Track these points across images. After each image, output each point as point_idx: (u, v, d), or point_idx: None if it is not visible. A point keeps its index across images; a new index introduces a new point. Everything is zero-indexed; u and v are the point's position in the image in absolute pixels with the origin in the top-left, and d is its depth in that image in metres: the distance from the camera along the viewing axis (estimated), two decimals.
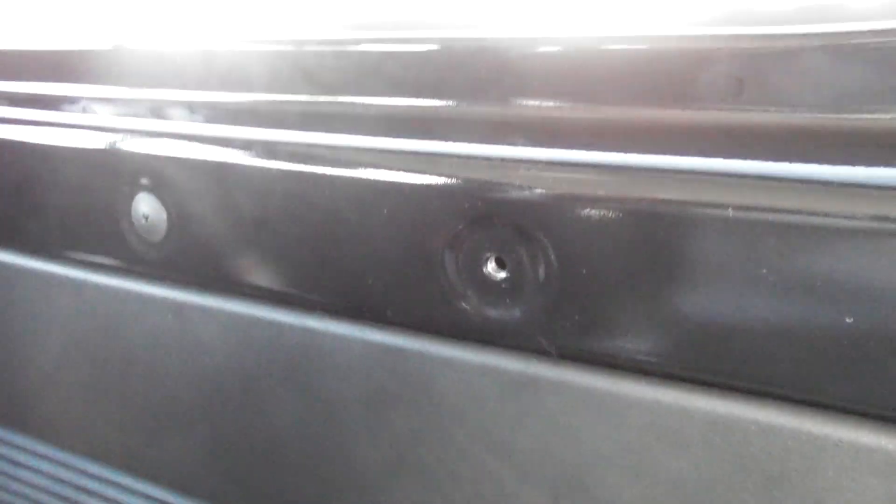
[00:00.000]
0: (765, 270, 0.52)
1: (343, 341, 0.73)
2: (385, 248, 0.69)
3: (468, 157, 0.65)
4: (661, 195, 0.56)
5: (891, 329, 0.50)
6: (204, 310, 0.82)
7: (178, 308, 0.84)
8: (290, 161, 0.74)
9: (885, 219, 0.48)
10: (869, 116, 0.51)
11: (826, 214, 0.50)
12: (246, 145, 0.76)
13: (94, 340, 0.93)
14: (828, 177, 0.52)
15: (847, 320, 0.51)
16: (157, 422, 0.92)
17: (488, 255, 0.64)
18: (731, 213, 0.53)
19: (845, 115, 0.52)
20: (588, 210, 0.59)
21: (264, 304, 0.79)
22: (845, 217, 0.50)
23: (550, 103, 0.62)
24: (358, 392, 0.74)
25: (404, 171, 0.67)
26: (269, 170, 0.75)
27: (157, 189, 0.82)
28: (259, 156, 0.75)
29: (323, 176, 0.71)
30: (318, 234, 0.73)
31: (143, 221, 0.83)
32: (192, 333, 0.83)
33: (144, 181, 0.82)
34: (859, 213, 0.49)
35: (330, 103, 0.73)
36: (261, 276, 0.79)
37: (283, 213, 0.75)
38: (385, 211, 0.68)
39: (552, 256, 0.61)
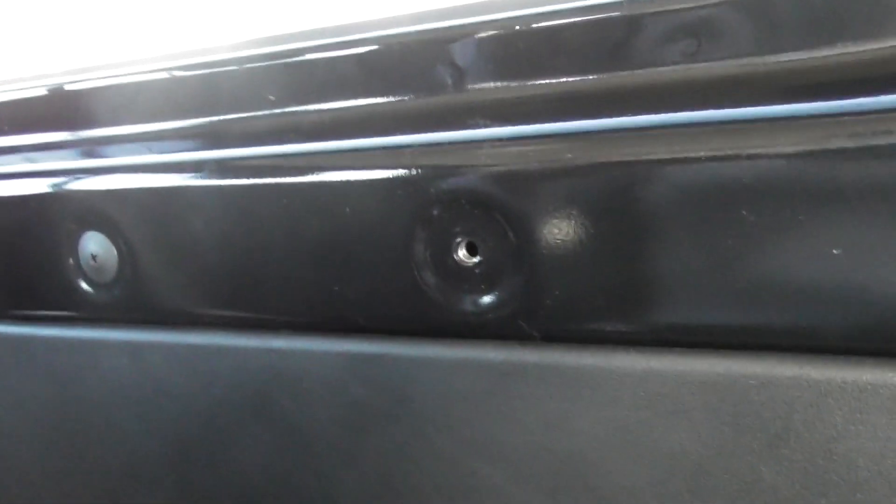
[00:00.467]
0: (744, 212, 0.51)
1: (314, 358, 0.69)
2: (350, 252, 0.66)
3: (423, 145, 0.63)
4: (623, 155, 0.55)
5: (878, 257, 0.49)
6: (162, 347, 0.77)
7: (135, 350, 0.79)
8: (239, 176, 0.71)
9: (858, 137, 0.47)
10: None
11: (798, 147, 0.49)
12: (191, 167, 0.73)
13: (47, 399, 0.87)
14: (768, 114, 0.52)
15: (834, 252, 0.49)
16: (121, 479, 0.85)
17: (458, 241, 0.62)
18: (702, 156, 0.52)
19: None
20: (552, 180, 0.57)
21: (226, 331, 0.74)
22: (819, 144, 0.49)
23: (491, 83, 0.61)
24: (336, 412, 0.70)
25: (359, 168, 0.65)
26: (219, 188, 0.72)
27: (103, 225, 0.78)
28: (207, 175, 0.72)
29: (275, 186, 0.69)
30: (277, 248, 0.70)
31: (92, 262, 0.79)
32: (152, 375, 0.78)
33: (89, 219, 0.78)
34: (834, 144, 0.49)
35: (269, 115, 0.71)
36: (221, 302, 0.75)
37: (239, 231, 0.71)
38: (346, 212, 0.65)
39: (523, 234, 0.59)
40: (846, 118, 0.49)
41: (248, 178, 0.70)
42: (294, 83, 0.69)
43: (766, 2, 0.52)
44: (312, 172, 0.67)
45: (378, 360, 0.66)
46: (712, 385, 0.54)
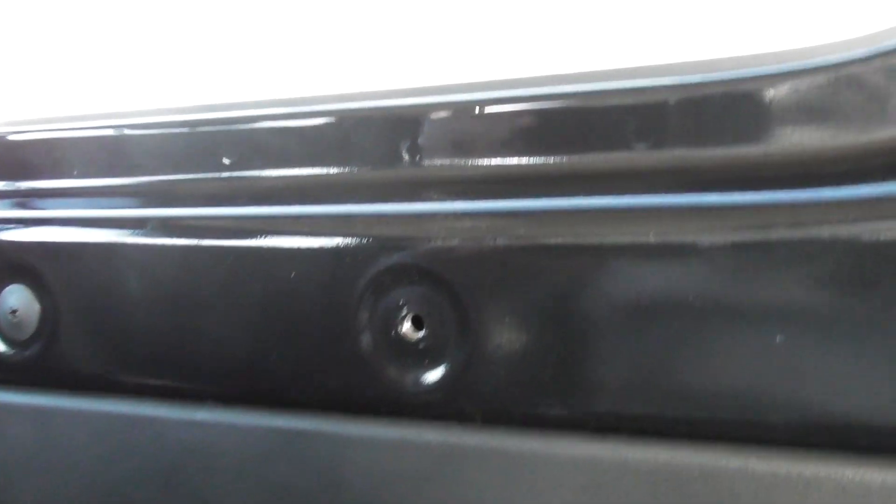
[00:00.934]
0: (690, 300, 0.51)
1: (237, 433, 0.65)
2: (289, 321, 0.64)
3: (375, 216, 0.62)
4: (576, 237, 0.55)
5: (822, 349, 0.49)
6: (75, 415, 0.72)
7: (43, 416, 0.73)
8: (179, 237, 0.69)
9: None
10: None
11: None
12: (129, 224, 0.71)
13: None
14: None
15: (777, 340, 0.49)
16: None
17: (404, 314, 0.60)
18: (651, 242, 0.52)
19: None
20: (505, 258, 0.57)
21: (145, 400, 0.70)
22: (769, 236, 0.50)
23: (448, 160, 0.61)
24: (255, 493, 0.65)
25: (307, 234, 0.64)
26: (156, 247, 0.69)
27: (28, 278, 0.73)
28: (145, 234, 0.70)
29: (215, 249, 0.67)
30: (211, 313, 0.67)
31: (10, 317, 0.74)
32: (59, 445, 0.72)
33: (13, 271, 0.74)
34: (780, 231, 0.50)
35: (218, 178, 0.69)
36: (144, 368, 0.70)
37: (172, 293, 0.68)
38: (288, 279, 0.63)
39: (471, 310, 0.57)
40: (783, 208, 0.51)
41: (187, 238, 0.68)
42: (247, 148, 0.68)
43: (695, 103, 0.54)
44: (256, 236, 0.65)
45: (309, 438, 0.62)
46: (657, 475, 0.53)
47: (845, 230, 0.48)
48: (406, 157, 0.62)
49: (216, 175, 0.69)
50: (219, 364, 0.67)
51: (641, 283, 0.53)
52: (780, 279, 0.50)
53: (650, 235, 0.53)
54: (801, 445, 0.50)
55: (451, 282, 0.58)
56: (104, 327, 0.71)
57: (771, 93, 0.52)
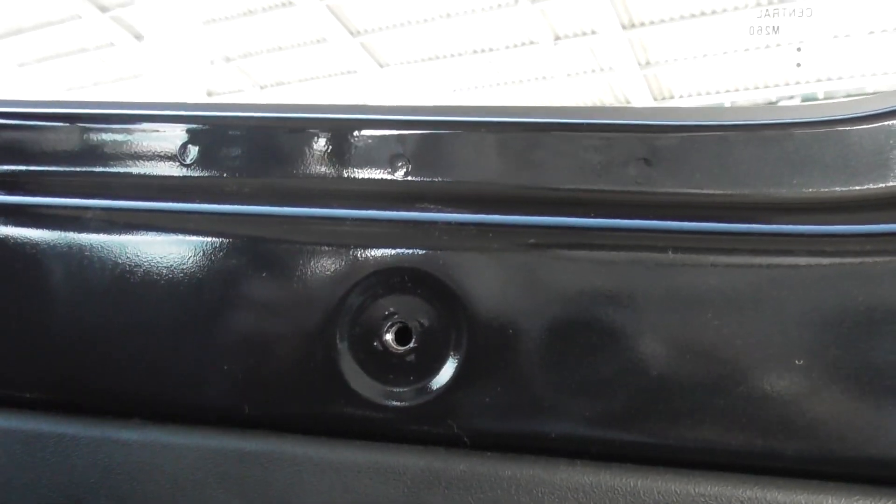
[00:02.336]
0: (709, 317, 0.50)
1: (174, 452, 0.56)
2: (243, 325, 0.56)
3: (363, 219, 0.57)
4: (584, 251, 0.53)
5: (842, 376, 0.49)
6: None
7: None
8: (119, 230, 0.60)
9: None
10: None
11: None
12: (62, 215, 0.61)
13: None
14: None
15: (797, 362, 0.49)
16: None
17: (389, 323, 0.55)
18: (673, 260, 0.51)
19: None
20: (509, 268, 0.54)
21: (58, 416, 0.59)
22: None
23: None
24: None
25: (284, 233, 0.57)
26: (90, 241, 0.60)
27: None
28: (63, 226, 0.60)
29: (165, 241, 0.59)
30: (138, 313, 0.58)
31: None
32: None
33: None
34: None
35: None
36: (60, 380, 0.59)
37: (103, 291, 0.59)
38: (257, 277, 0.56)
39: (466, 321, 0.53)
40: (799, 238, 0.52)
41: (129, 232, 0.60)
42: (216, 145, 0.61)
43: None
44: (201, 232, 0.58)
45: (262, 462, 0.54)
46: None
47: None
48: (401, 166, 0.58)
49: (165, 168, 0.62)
50: (150, 375, 0.58)
51: (652, 301, 0.51)
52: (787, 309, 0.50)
53: (662, 254, 0.52)
54: (814, 477, 0.49)
55: (447, 289, 0.53)
56: (15, 332, 0.60)
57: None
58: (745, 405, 0.49)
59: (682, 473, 0.49)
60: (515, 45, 7.28)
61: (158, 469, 0.55)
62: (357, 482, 0.52)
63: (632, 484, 0.50)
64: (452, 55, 7.69)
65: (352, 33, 7.73)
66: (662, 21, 6.46)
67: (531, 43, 7.17)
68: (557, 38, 6.99)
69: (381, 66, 8.05)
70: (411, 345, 0.54)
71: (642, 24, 6.46)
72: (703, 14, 6.30)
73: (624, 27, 6.44)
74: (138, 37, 7.89)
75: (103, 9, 7.95)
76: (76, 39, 8.54)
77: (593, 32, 6.72)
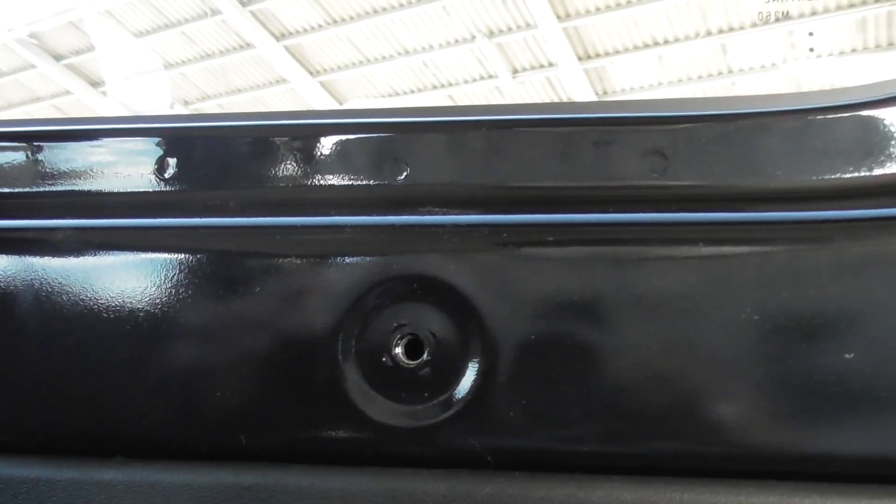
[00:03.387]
0: (749, 313, 0.46)
1: (162, 492, 0.50)
2: (239, 347, 0.51)
3: (365, 226, 0.53)
4: (608, 248, 0.49)
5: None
6: None
7: None
8: (96, 248, 0.55)
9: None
10: None
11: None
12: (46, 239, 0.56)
13: None
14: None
15: (847, 356, 0.45)
16: None
17: (398, 336, 0.50)
18: (687, 253, 0.47)
19: None
20: (526, 270, 0.49)
21: (23, 458, 0.52)
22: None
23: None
24: None
25: (282, 244, 0.53)
26: (66, 259, 0.54)
27: None
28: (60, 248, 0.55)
29: (150, 257, 0.53)
30: (116, 335, 0.52)
31: None
32: None
33: None
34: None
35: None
36: (27, 413, 0.53)
37: (75, 310, 0.53)
38: (251, 292, 0.51)
39: (484, 330, 0.49)
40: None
41: (104, 252, 0.54)
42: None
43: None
44: (203, 245, 0.53)
45: (266, 495, 0.49)
46: None
47: None
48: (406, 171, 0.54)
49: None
50: (132, 408, 0.52)
51: (686, 296, 0.47)
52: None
53: (693, 247, 0.48)
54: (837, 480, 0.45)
55: (460, 295, 0.49)
56: None
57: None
58: (806, 405, 0.45)
59: (738, 485, 0.45)
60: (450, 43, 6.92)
61: None
62: None
63: (678, 499, 0.45)
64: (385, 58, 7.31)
65: (311, 74, 7.61)
66: (598, 10, 6.20)
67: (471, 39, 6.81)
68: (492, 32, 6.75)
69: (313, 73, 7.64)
70: (424, 358, 0.49)
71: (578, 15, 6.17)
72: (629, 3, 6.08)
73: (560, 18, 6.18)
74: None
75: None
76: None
77: (528, 26, 6.48)
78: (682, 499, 0.45)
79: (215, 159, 0.56)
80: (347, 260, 0.51)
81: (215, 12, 6.78)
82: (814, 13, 5.74)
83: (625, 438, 0.47)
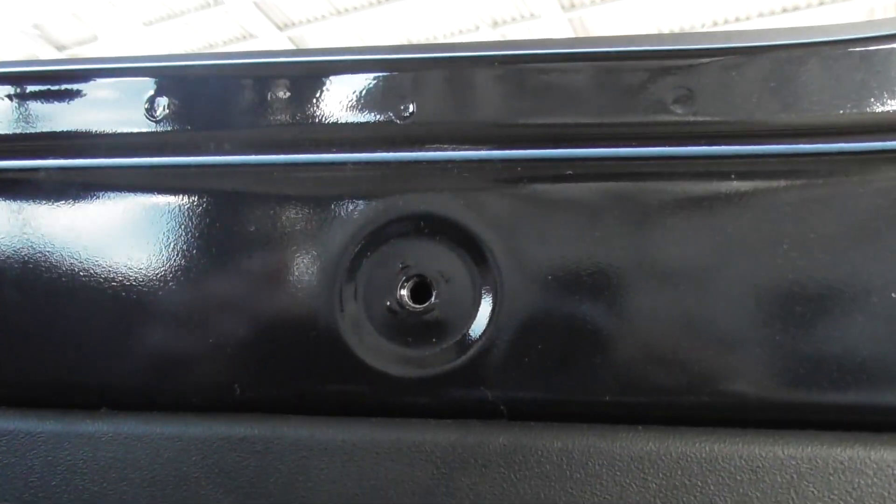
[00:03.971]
0: (780, 252, 0.43)
1: (150, 444, 0.46)
2: (233, 291, 0.48)
3: (367, 162, 0.49)
4: (624, 182, 0.46)
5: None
6: None
7: None
8: (76, 188, 0.51)
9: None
10: None
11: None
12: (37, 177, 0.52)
13: None
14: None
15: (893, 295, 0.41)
16: None
17: (403, 278, 0.46)
18: (731, 190, 0.43)
19: None
20: (539, 206, 0.46)
21: (13, 411, 0.49)
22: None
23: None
24: None
25: (278, 182, 0.49)
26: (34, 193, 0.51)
27: None
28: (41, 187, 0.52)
29: (135, 198, 0.50)
30: (113, 277, 0.49)
31: None
32: None
33: None
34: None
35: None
36: (5, 363, 0.50)
37: (57, 252, 0.50)
38: (244, 232, 0.48)
39: (496, 270, 0.45)
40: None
41: (89, 193, 0.51)
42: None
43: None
44: (195, 184, 0.50)
45: (254, 448, 0.45)
46: (737, 469, 0.41)
47: None
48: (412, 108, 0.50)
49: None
50: (119, 357, 0.49)
51: (715, 232, 0.44)
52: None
53: (723, 182, 0.45)
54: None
55: (470, 233, 0.45)
56: None
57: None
58: (842, 351, 0.41)
59: (768, 434, 0.41)
60: None
61: (133, 465, 0.45)
62: (375, 465, 0.43)
63: (707, 450, 0.42)
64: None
65: None
66: (604, 0, 6.10)
67: None
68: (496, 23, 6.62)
69: None
70: (431, 301, 0.46)
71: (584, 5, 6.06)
72: None
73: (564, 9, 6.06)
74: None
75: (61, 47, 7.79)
76: None
77: (532, 16, 6.36)
78: (713, 449, 0.41)
79: (212, 98, 0.53)
80: (348, 198, 0.47)
81: (218, 2, 6.74)
82: (821, 3, 5.70)
83: (649, 386, 0.43)
